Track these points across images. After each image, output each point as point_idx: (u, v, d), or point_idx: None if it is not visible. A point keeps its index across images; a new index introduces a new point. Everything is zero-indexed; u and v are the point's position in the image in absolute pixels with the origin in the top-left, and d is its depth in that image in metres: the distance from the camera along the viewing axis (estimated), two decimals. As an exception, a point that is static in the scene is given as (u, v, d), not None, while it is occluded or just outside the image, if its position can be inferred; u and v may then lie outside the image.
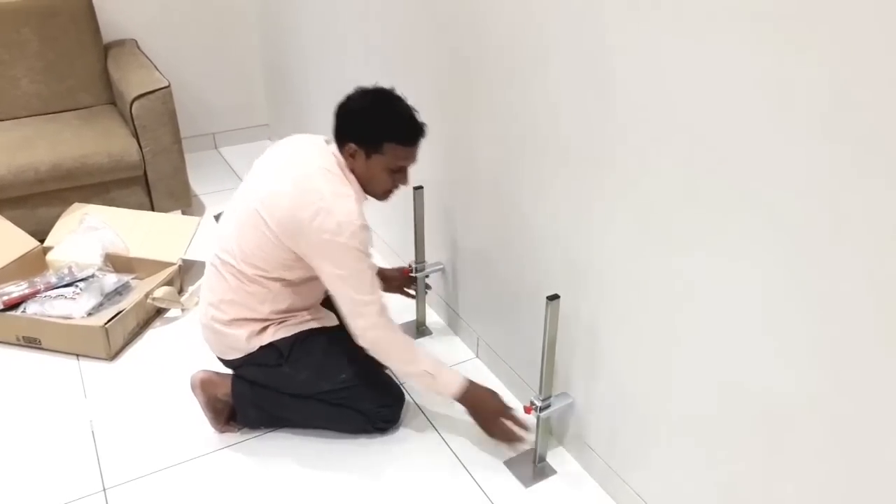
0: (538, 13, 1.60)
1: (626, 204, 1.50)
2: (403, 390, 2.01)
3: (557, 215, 1.72)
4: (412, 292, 2.29)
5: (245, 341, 1.81)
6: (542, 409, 1.76)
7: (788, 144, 1.14)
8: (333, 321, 1.93)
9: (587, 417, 1.81)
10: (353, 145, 1.71)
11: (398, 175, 1.76)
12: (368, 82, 1.77)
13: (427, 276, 2.28)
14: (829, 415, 1.19)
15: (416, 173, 1.83)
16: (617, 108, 1.45)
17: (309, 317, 1.88)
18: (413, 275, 2.24)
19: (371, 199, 1.81)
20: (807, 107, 1.09)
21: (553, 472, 1.86)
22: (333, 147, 1.77)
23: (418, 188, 2.09)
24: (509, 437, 1.84)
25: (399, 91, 1.74)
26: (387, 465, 1.88)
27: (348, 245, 1.67)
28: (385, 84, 1.76)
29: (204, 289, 1.89)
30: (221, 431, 1.96)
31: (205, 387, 1.93)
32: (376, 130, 1.69)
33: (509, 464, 1.86)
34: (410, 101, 1.73)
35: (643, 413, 1.62)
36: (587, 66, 1.50)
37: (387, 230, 2.62)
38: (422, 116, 1.73)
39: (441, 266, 2.29)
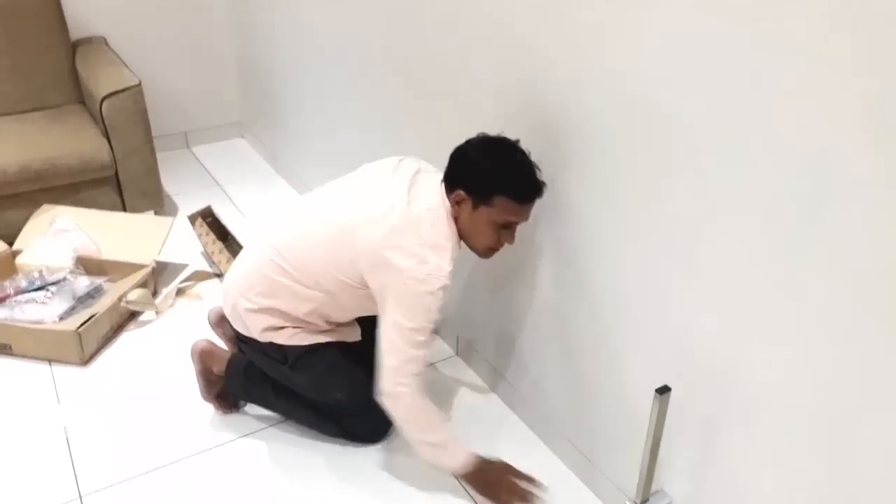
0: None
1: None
2: None
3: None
4: None
5: (259, 332, 1.79)
6: None
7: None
8: (354, 337, 1.90)
9: None
10: (461, 192, 1.60)
11: (505, 232, 1.64)
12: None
13: None
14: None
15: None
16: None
17: (328, 328, 1.83)
18: None
19: (469, 252, 1.71)
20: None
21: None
22: (443, 187, 1.66)
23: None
24: (524, 500, 1.68)
25: (522, 145, 1.62)
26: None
27: (425, 298, 1.58)
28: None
29: (238, 272, 1.83)
30: (209, 402, 2.01)
31: (203, 357, 1.97)
32: (489, 181, 1.58)
33: None
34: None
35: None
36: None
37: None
38: (542, 175, 1.61)
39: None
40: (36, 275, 2.36)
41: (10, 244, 2.54)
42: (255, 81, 3.42)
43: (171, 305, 2.48)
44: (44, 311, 2.24)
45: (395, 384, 1.64)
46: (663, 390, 1.41)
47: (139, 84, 2.78)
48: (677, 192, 1.36)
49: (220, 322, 2.03)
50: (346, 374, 1.85)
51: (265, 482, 1.83)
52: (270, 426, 1.99)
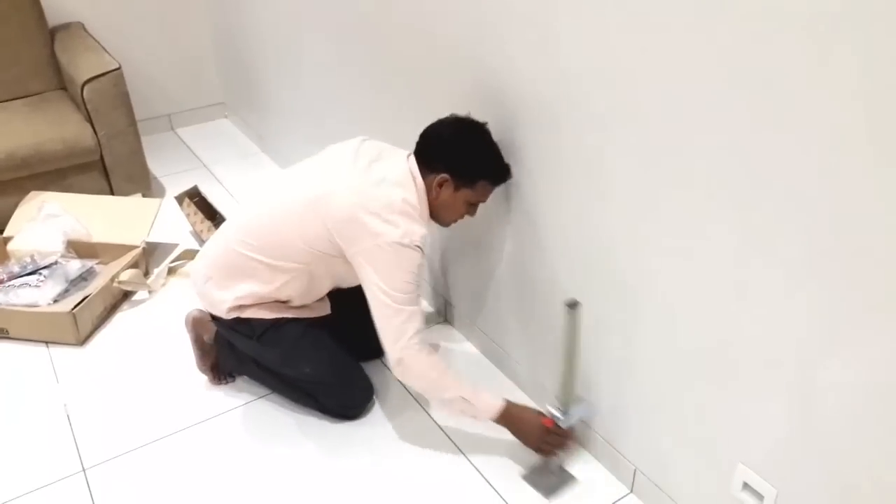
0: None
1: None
2: (373, 386, 2.00)
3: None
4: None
5: (226, 311, 1.84)
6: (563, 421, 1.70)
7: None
8: (324, 311, 1.94)
9: (612, 422, 1.76)
10: (446, 175, 1.70)
11: (472, 209, 1.79)
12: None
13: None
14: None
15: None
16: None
17: (293, 306, 1.87)
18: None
19: (432, 224, 1.81)
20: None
21: (573, 478, 1.79)
22: (413, 164, 1.74)
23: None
24: (558, 449, 1.75)
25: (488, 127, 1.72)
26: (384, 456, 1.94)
27: (401, 259, 1.64)
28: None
29: (206, 254, 1.89)
30: (204, 373, 2.06)
31: (195, 325, 2.03)
32: (475, 167, 1.71)
33: (528, 477, 1.78)
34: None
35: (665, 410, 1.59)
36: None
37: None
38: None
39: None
40: (28, 260, 2.39)
41: (1, 231, 2.57)
42: (236, 61, 3.42)
43: (164, 284, 2.52)
44: (38, 295, 2.27)
45: (398, 350, 1.68)
46: (573, 304, 1.54)
47: (119, 68, 2.80)
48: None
49: (193, 323, 2.05)
50: (313, 348, 1.89)
51: (260, 450, 1.89)
52: (262, 397, 2.04)
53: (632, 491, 1.75)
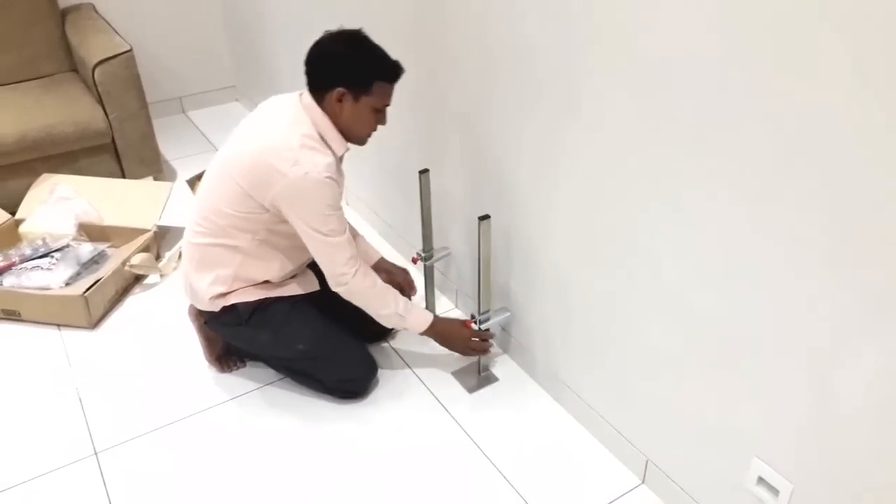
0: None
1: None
2: (374, 361, 2.03)
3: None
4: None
5: (209, 301, 1.85)
6: (481, 323, 1.97)
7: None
8: (313, 286, 1.96)
9: (527, 327, 1.99)
10: (341, 89, 1.70)
11: (380, 115, 1.78)
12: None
13: (432, 263, 2.20)
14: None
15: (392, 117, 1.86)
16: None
17: (276, 285, 1.90)
18: (423, 263, 2.19)
19: (353, 148, 1.83)
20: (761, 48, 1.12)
21: (496, 378, 2.05)
22: (307, 99, 1.76)
23: (424, 171, 2.01)
24: (480, 351, 2.00)
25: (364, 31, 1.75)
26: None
27: (313, 193, 1.69)
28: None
29: (182, 253, 1.94)
30: (211, 364, 2.07)
31: (198, 315, 2.03)
32: (364, 71, 1.70)
33: (456, 374, 2.06)
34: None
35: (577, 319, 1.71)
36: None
37: (391, 213, 2.58)
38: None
39: (448, 252, 2.25)
40: (40, 242, 2.39)
41: (13, 214, 2.57)
42: (248, 44, 3.40)
43: (175, 268, 2.52)
44: (50, 278, 2.28)
45: (337, 276, 1.81)
46: (484, 217, 1.79)
47: (130, 50, 2.78)
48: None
49: (197, 313, 2.04)
50: (303, 323, 1.90)
51: (271, 434, 1.89)
52: (272, 383, 2.04)
53: (643, 482, 1.74)
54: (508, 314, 2.04)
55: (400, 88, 1.77)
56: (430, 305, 2.28)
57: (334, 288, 1.83)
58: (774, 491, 1.38)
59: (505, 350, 2.13)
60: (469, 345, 1.98)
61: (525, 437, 1.86)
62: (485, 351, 2.00)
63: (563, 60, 1.53)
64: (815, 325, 1.20)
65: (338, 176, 1.76)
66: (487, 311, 1.97)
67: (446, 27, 1.88)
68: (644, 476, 1.73)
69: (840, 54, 1.02)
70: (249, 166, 1.71)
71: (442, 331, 1.97)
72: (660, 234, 1.45)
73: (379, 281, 1.88)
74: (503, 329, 2.10)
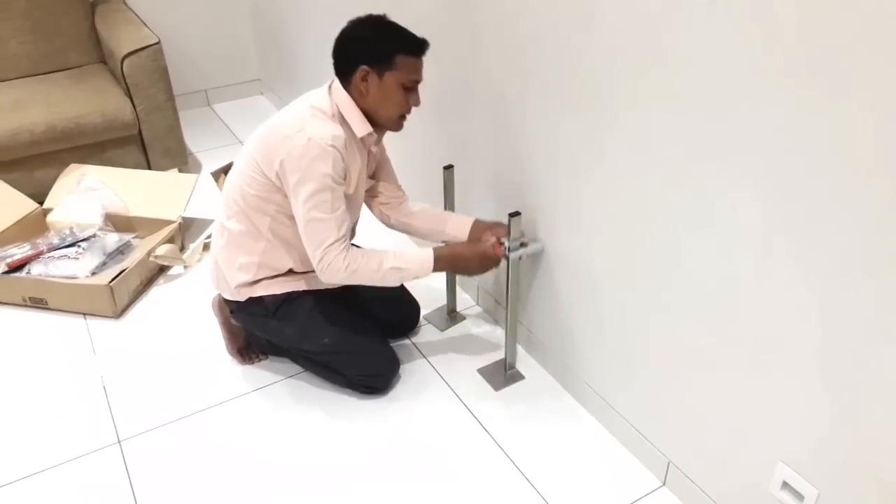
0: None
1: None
2: (397, 357, 2.03)
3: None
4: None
5: (235, 289, 1.86)
6: (511, 251, 1.83)
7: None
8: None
9: (553, 327, 1.96)
10: (364, 67, 1.69)
11: (411, 94, 1.74)
12: None
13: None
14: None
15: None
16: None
17: (302, 278, 1.90)
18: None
19: (389, 134, 1.82)
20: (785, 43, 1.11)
21: (522, 377, 2.03)
22: (336, 85, 1.75)
23: (448, 168, 2.01)
24: (496, 261, 1.85)
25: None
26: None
27: (315, 158, 1.65)
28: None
29: (213, 235, 1.96)
30: (233, 356, 2.08)
31: (221, 307, 2.04)
32: (386, 45, 1.68)
33: (482, 371, 2.04)
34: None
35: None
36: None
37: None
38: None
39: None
40: (67, 232, 2.42)
41: (41, 203, 2.60)
42: (273, 38, 3.41)
43: (199, 260, 2.54)
44: (76, 267, 2.30)
45: (318, 255, 1.71)
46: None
47: (158, 42, 2.80)
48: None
49: (220, 305, 2.07)
50: (329, 318, 1.90)
51: (292, 427, 1.90)
52: (293, 376, 2.05)
53: (664, 484, 1.73)
54: (541, 246, 1.88)
55: (423, 84, 1.76)
56: (450, 302, 2.28)
57: (322, 273, 1.74)
58: (799, 496, 1.36)
59: (529, 350, 2.12)
60: (485, 263, 1.83)
61: (546, 435, 1.85)
62: (499, 260, 1.84)
63: (607, 66, 1.52)
64: (841, 327, 1.18)
65: (348, 154, 1.72)
66: (520, 237, 1.83)
67: (475, 22, 1.87)
68: (665, 478, 1.72)
69: (864, 62, 1.01)
70: (263, 137, 1.74)
71: (452, 258, 1.83)
72: (692, 239, 1.43)
73: (358, 254, 1.74)
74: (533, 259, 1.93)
